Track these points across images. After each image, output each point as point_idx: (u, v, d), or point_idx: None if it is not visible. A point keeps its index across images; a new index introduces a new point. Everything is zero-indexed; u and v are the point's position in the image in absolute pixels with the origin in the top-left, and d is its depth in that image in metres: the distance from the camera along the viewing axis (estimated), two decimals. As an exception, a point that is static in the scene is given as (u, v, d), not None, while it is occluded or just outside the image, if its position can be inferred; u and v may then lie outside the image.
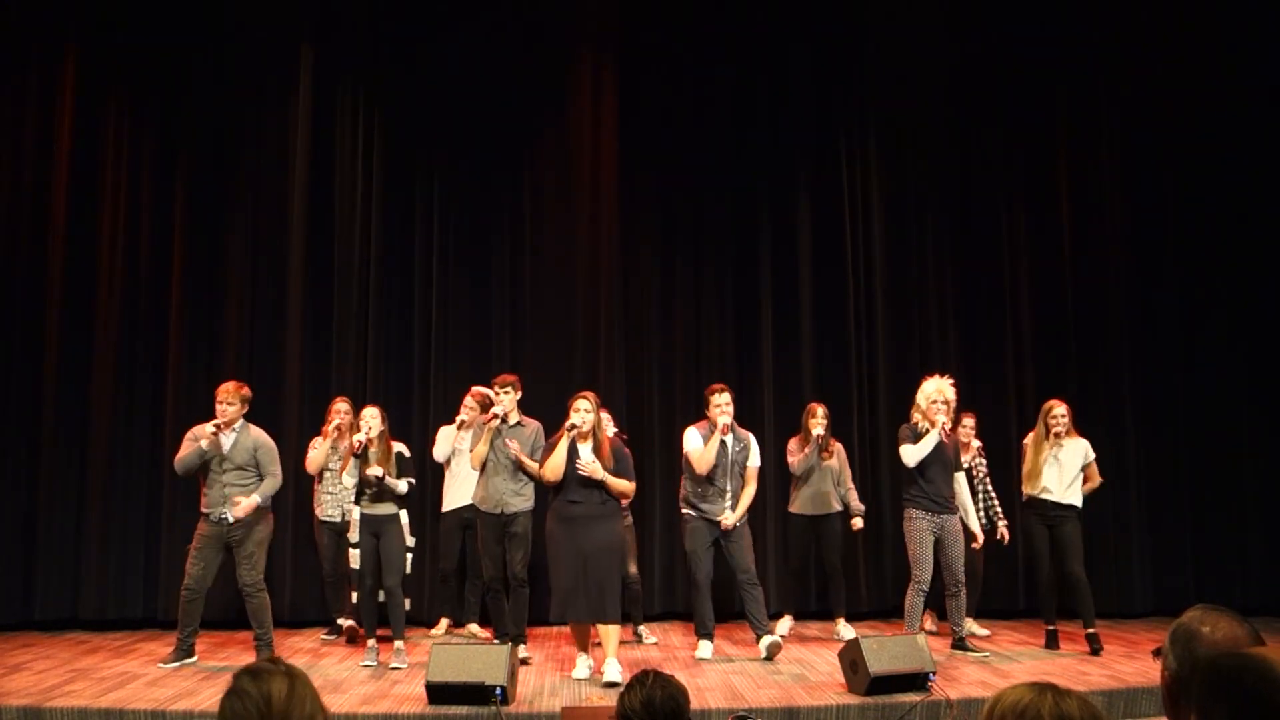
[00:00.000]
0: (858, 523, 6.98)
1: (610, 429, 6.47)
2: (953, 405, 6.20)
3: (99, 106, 7.60)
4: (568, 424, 5.57)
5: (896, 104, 8.18)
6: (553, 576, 5.61)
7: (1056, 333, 8.03)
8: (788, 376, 7.84)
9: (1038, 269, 8.10)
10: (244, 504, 5.78)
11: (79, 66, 7.57)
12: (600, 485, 5.57)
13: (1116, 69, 8.22)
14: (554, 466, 5.55)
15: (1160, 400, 7.98)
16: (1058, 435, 6.29)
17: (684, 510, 6.27)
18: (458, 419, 6.61)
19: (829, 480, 6.81)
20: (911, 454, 6.12)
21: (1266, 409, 8.00)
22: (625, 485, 5.70)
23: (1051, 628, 6.37)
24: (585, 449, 5.61)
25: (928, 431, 6.07)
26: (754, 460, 6.27)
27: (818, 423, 6.76)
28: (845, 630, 6.82)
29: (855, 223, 8.06)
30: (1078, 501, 6.33)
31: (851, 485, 7.01)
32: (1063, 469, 6.30)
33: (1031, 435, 6.48)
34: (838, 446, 6.97)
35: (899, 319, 8.03)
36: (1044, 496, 6.29)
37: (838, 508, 6.85)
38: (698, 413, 7.65)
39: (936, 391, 6.14)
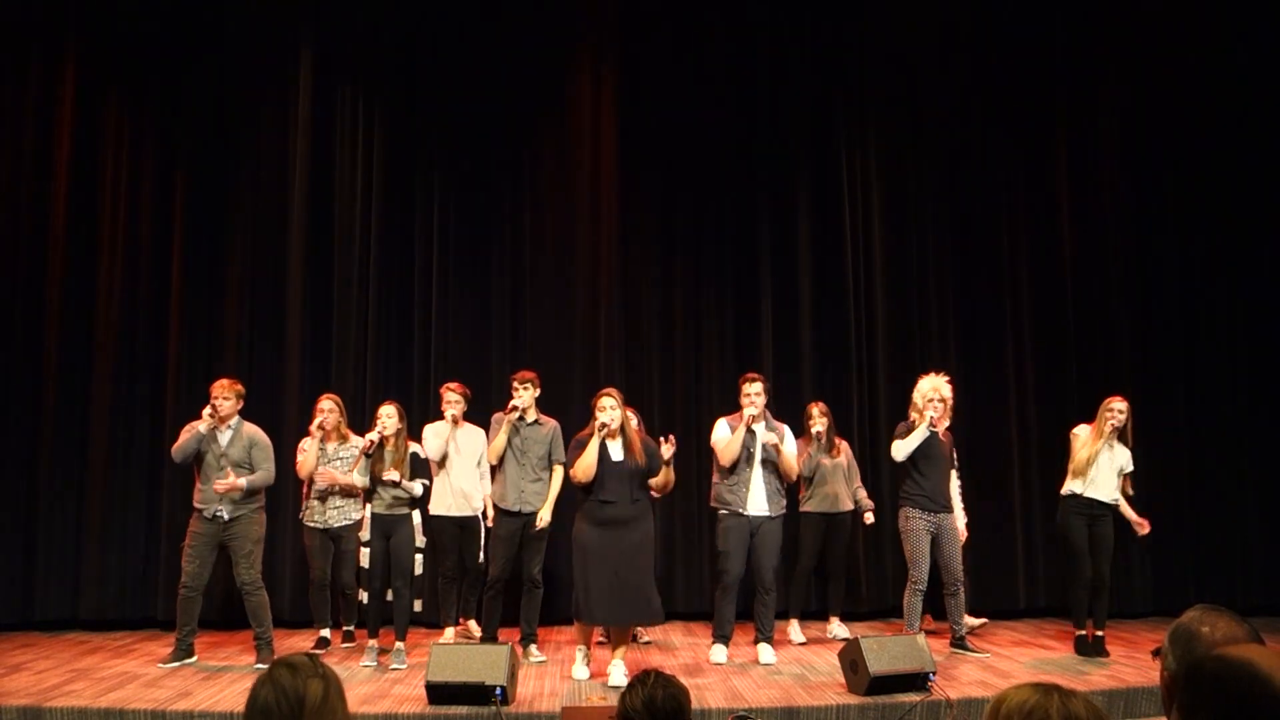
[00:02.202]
0: (869, 517, 6.98)
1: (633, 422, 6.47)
2: (949, 403, 6.21)
3: (99, 107, 7.59)
4: (597, 424, 5.48)
5: (896, 103, 8.19)
6: (583, 578, 5.44)
7: (1056, 333, 8.03)
8: (788, 376, 7.83)
9: (1038, 268, 8.11)
10: (229, 483, 5.76)
11: (79, 66, 7.57)
12: (633, 484, 5.49)
13: (1117, 66, 8.23)
14: (585, 467, 5.45)
15: (1160, 400, 7.97)
16: (1115, 429, 6.15)
17: (714, 504, 6.20)
18: (448, 414, 6.48)
19: (840, 478, 6.81)
20: (899, 449, 6.14)
21: (1267, 409, 8.01)
22: (663, 483, 5.72)
23: (1082, 633, 6.21)
24: (615, 447, 5.52)
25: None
26: (788, 446, 6.15)
27: (816, 421, 6.76)
28: (839, 629, 6.83)
29: (855, 221, 8.06)
30: (1113, 500, 6.23)
31: (860, 482, 7.02)
32: (1106, 471, 6.18)
33: (1084, 427, 6.31)
34: (844, 444, 6.97)
35: (899, 319, 8.03)
36: (1090, 494, 6.16)
37: (849, 506, 6.85)
38: (697, 412, 7.68)
39: (932, 389, 6.15)
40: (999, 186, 8.16)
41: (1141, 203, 8.15)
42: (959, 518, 6.46)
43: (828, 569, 6.99)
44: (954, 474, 6.44)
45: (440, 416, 6.56)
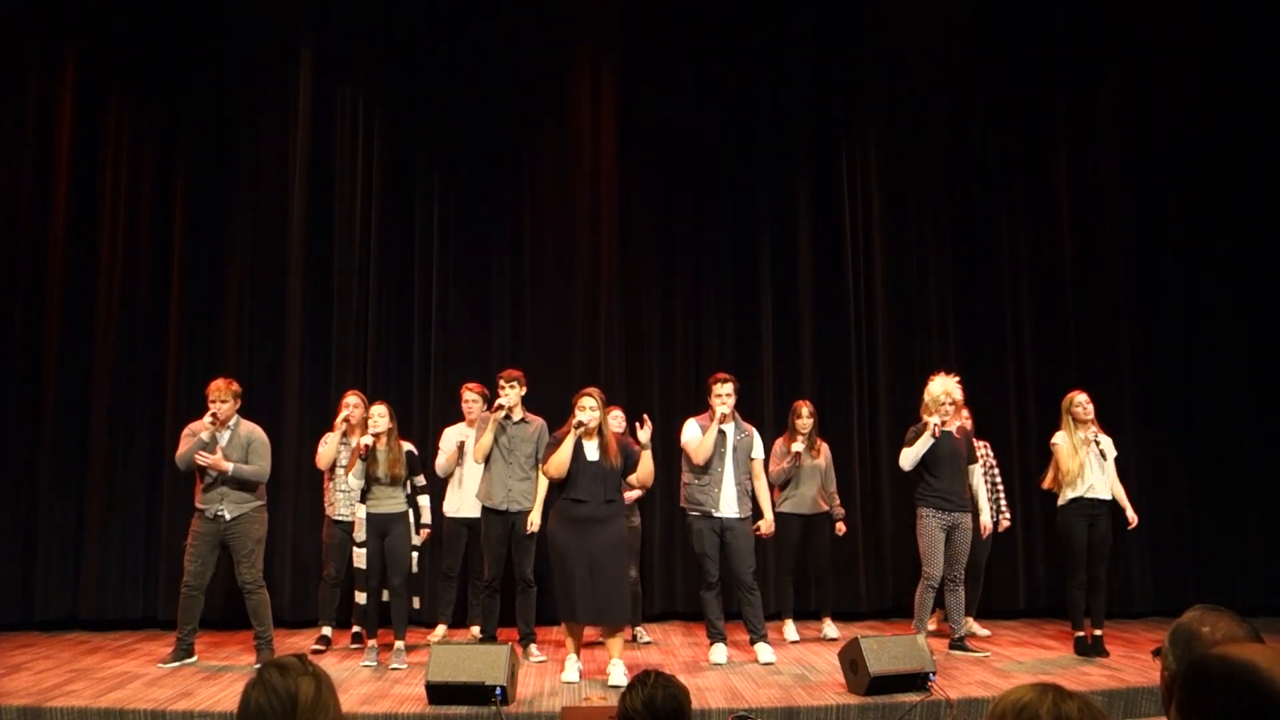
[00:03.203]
0: (841, 527, 6.95)
1: (620, 426, 6.46)
2: (960, 403, 6.22)
3: (99, 107, 7.59)
4: (575, 421, 5.50)
5: (896, 103, 8.19)
6: (558, 577, 5.49)
7: (1056, 333, 8.03)
8: (787, 376, 7.84)
9: (1038, 269, 8.11)
10: (213, 458, 5.74)
11: (79, 66, 7.57)
12: (607, 485, 5.49)
13: (1117, 68, 8.23)
14: (559, 464, 5.46)
15: (1161, 400, 7.99)
16: (1087, 422, 6.13)
17: (684, 505, 6.22)
18: (468, 416, 6.55)
19: (816, 480, 6.79)
20: (906, 457, 6.15)
21: (1267, 409, 8.01)
22: (645, 475, 5.64)
23: (1081, 633, 6.20)
24: (591, 446, 5.53)
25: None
26: (757, 452, 6.20)
27: (804, 423, 6.72)
28: (831, 630, 6.83)
29: (855, 221, 8.07)
30: (1110, 497, 6.22)
31: (834, 489, 6.96)
32: (1105, 463, 6.15)
33: (1060, 435, 6.28)
34: (824, 446, 6.93)
35: (899, 319, 8.03)
36: (1089, 495, 6.13)
37: (826, 508, 6.84)
38: (697, 412, 7.66)
39: (944, 393, 6.12)
40: (999, 186, 8.17)
41: (1141, 203, 8.15)
42: (984, 514, 6.43)
43: (811, 571, 6.98)
44: (976, 469, 6.42)
45: (444, 418, 6.63)
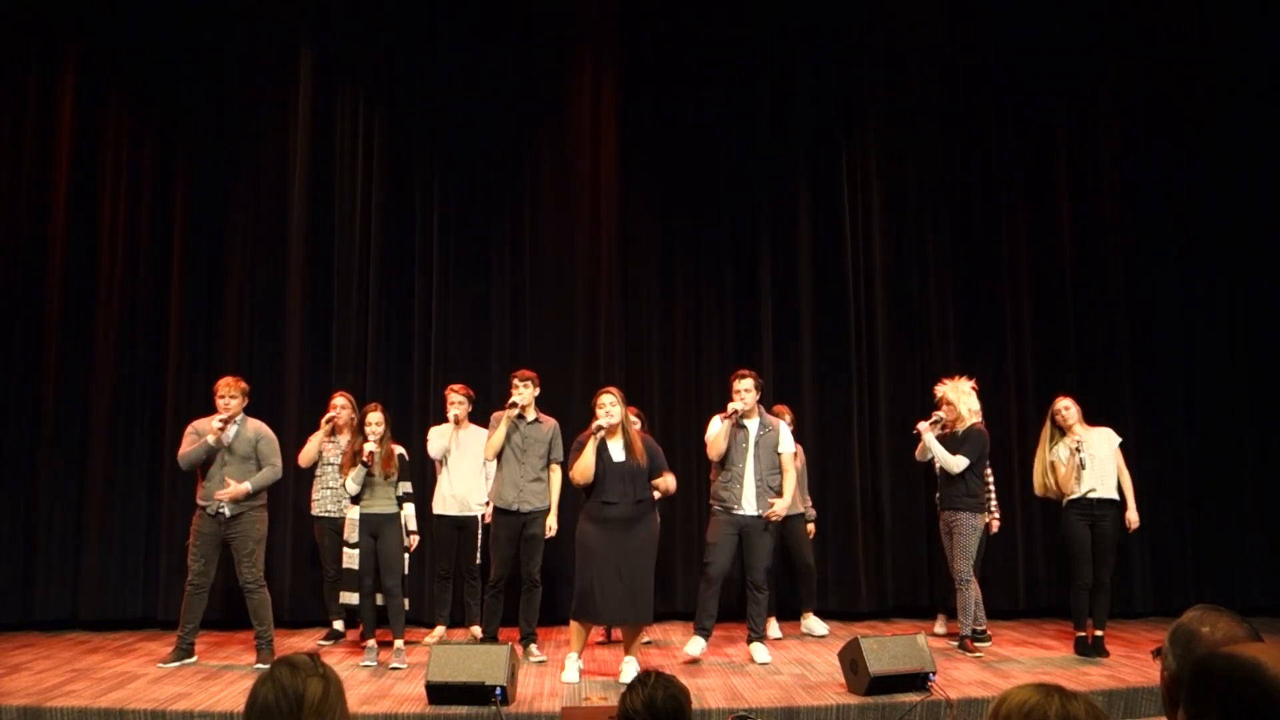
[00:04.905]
0: (810, 528, 7.04)
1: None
2: (956, 405, 6.27)
3: (99, 107, 7.59)
4: (595, 424, 5.43)
5: (897, 103, 8.19)
6: (587, 578, 5.40)
7: (1056, 333, 8.03)
8: (788, 376, 7.84)
9: (1038, 269, 8.11)
10: (233, 490, 5.77)
11: (79, 66, 7.57)
12: (635, 484, 5.43)
13: (1117, 68, 8.23)
14: (584, 468, 5.40)
15: (1160, 400, 7.99)
16: (1069, 428, 6.18)
17: (710, 501, 6.21)
18: (451, 414, 6.56)
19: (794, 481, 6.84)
20: (918, 454, 6.48)
21: (1267, 409, 8.00)
22: (668, 481, 5.67)
23: (1082, 634, 6.21)
24: (616, 446, 5.47)
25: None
26: (785, 445, 6.12)
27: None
28: (815, 625, 6.92)
29: (855, 221, 8.07)
30: (1116, 495, 6.21)
31: (806, 492, 7.05)
32: (1099, 463, 6.14)
33: (1053, 449, 6.29)
34: (799, 450, 6.94)
35: (899, 319, 8.03)
36: (1090, 496, 6.14)
37: (801, 508, 6.87)
38: (697, 413, 7.68)
39: (938, 395, 6.39)
40: (999, 187, 8.16)
41: (1141, 203, 8.14)
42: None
43: (798, 568, 7.03)
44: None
45: (443, 418, 6.62)
